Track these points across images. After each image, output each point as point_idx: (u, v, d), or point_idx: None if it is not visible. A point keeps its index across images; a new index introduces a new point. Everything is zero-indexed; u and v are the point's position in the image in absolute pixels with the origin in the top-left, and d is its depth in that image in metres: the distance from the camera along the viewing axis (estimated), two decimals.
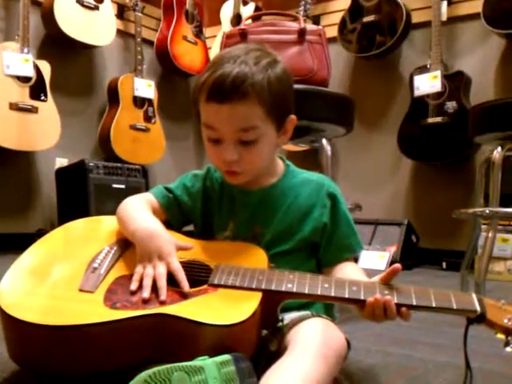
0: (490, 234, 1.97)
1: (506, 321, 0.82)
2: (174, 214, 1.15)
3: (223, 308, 0.87)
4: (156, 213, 1.11)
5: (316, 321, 0.94)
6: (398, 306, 0.85)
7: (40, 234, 1.08)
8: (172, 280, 0.93)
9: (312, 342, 0.85)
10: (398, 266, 0.89)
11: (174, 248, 0.97)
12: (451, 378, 1.09)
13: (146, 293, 0.88)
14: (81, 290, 0.90)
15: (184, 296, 0.89)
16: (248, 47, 1.05)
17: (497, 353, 1.26)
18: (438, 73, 3.14)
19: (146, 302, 0.87)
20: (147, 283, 0.90)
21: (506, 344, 0.82)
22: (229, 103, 0.96)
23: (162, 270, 0.92)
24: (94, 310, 0.85)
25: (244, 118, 0.98)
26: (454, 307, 0.84)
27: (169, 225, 1.13)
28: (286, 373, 0.77)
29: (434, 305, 0.85)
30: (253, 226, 1.07)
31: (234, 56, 1.00)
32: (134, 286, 0.90)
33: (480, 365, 1.16)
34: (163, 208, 1.14)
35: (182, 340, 0.83)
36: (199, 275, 0.95)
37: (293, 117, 1.09)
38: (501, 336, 0.83)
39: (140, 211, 1.08)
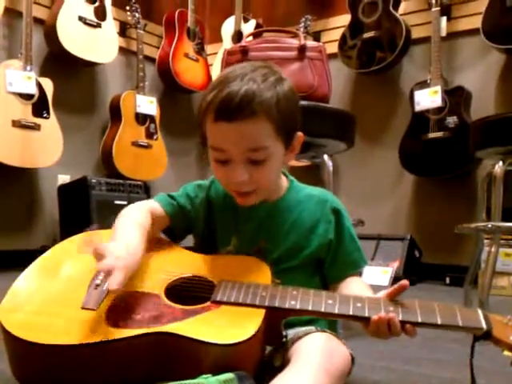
0: (492, 249, 1.96)
1: None
2: (178, 222, 1.14)
3: (226, 326, 0.86)
4: (159, 220, 1.10)
5: (320, 335, 0.93)
6: (403, 323, 0.84)
7: (43, 251, 1.08)
8: (176, 295, 0.93)
9: (315, 356, 0.84)
10: (405, 282, 0.89)
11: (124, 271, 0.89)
12: None
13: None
14: (83, 308, 0.90)
15: (186, 314, 0.88)
16: (254, 64, 1.04)
17: (503, 370, 1.25)
18: (439, 88, 3.15)
19: (149, 320, 0.86)
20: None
21: None
22: (238, 122, 0.95)
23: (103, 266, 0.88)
24: (95, 329, 0.85)
25: (253, 138, 0.97)
26: (460, 324, 0.83)
27: (171, 234, 1.13)
28: None
29: (439, 322, 0.83)
30: (257, 241, 1.07)
31: (240, 74, 0.98)
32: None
33: (486, 382, 1.15)
34: (168, 215, 1.12)
35: (185, 358, 0.82)
36: (202, 291, 0.94)
37: (300, 134, 1.08)
38: (508, 353, 0.82)
39: (126, 225, 1.03)
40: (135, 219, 1.06)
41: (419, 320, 0.84)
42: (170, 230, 1.14)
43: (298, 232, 1.07)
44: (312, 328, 0.96)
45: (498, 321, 0.84)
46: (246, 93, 0.95)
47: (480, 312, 0.85)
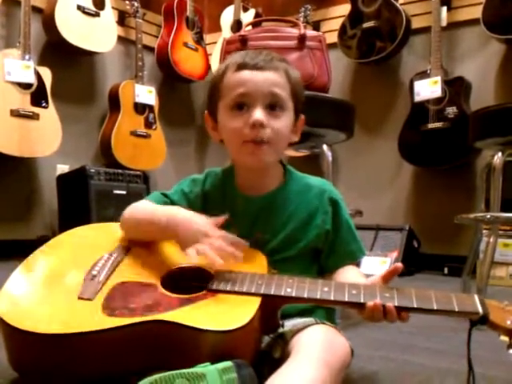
0: (491, 239, 1.96)
1: (509, 322, 0.81)
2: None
3: (222, 313, 0.86)
4: None
5: (319, 327, 0.93)
6: (399, 308, 0.85)
7: (42, 240, 1.08)
8: (173, 285, 0.93)
9: (315, 348, 0.84)
10: (399, 265, 0.90)
11: (212, 226, 0.97)
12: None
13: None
14: (80, 298, 0.90)
15: (183, 302, 0.88)
16: (258, 51, 1.10)
17: (501, 359, 1.25)
18: (439, 78, 3.14)
19: (145, 308, 0.87)
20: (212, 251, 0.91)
21: (510, 346, 0.81)
22: (262, 71, 1.03)
23: (217, 243, 0.92)
24: (92, 318, 0.85)
25: (276, 84, 1.03)
26: (456, 309, 0.83)
27: None
28: (288, 379, 0.76)
29: (435, 307, 0.83)
30: (254, 232, 1.06)
31: (252, 51, 1.09)
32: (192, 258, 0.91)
33: (484, 371, 1.15)
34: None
35: (182, 346, 0.83)
36: (199, 281, 0.94)
37: (303, 116, 1.13)
38: (504, 338, 0.82)
39: (158, 206, 1.07)
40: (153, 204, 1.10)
41: (415, 305, 0.84)
42: None
43: (295, 222, 1.07)
44: (311, 320, 0.96)
45: (494, 306, 0.84)
46: (272, 55, 1.06)
47: (476, 297, 0.85)
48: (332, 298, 0.88)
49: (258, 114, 1.01)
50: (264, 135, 1.02)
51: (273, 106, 1.03)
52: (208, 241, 0.93)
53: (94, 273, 0.97)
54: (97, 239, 1.13)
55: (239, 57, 1.06)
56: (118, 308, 0.87)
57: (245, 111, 1.03)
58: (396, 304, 0.85)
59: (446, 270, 3.12)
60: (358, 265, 1.12)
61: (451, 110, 3.11)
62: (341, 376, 0.87)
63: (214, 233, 0.95)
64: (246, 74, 1.03)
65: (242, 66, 1.04)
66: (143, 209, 1.08)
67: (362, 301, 0.86)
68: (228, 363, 0.75)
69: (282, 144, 1.08)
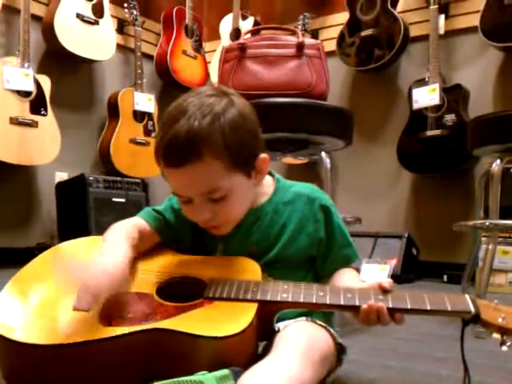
0: (490, 247, 1.96)
1: (500, 320, 0.83)
2: (166, 236, 1.11)
3: (219, 320, 0.86)
4: (147, 237, 1.08)
5: (301, 323, 0.94)
6: (393, 310, 0.86)
7: (40, 248, 1.08)
8: (168, 295, 0.93)
9: (295, 342, 0.85)
10: (390, 282, 0.91)
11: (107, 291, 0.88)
12: None
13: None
14: (74, 309, 0.90)
15: (179, 310, 0.88)
16: (200, 93, 0.98)
17: (499, 366, 1.25)
18: (437, 86, 3.15)
19: (142, 317, 0.86)
20: None
21: (502, 343, 0.83)
22: (185, 168, 0.92)
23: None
24: (89, 328, 0.85)
25: (205, 181, 0.94)
26: (449, 309, 0.85)
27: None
28: (267, 372, 0.77)
29: (428, 308, 0.85)
30: (248, 246, 1.05)
31: (182, 110, 0.94)
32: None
33: (482, 378, 1.15)
34: (156, 231, 1.10)
35: (180, 354, 0.82)
36: (194, 290, 0.94)
37: (263, 156, 1.02)
38: (496, 336, 0.84)
39: (114, 241, 1.01)
40: (124, 232, 1.04)
41: (409, 306, 0.86)
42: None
43: (287, 233, 1.06)
44: (302, 318, 0.97)
45: (485, 305, 0.86)
46: (188, 135, 0.91)
47: (467, 297, 0.87)
48: (328, 302, 0.88)
49: (200, 214, 0.98)
50: (216, 223, 1.01)
51: (214, 200, 0.96)
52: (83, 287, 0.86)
53: None
54: (87, 252, 1.12)
55: (164, 141, 0.94)
56: (115, 318, 0.87)
57: (189, 203, 0.99)
58: (390, 305, 0.86)
59: (445, 278, 3.11)
60: (357, 270, 1.12)
61: (449, 118, 3.11)
62: (324, 370, 0.89)
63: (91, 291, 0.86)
64: (171, 173, 0.96)
65: (166, 163, 0.95)
66: (109, 234, 1.04)
67: (357, 303, 0.87)
68: (225, 371, 0.75)
69: (241, 211, 1.03)
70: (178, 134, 0.92)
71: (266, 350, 0.90)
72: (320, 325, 0.98)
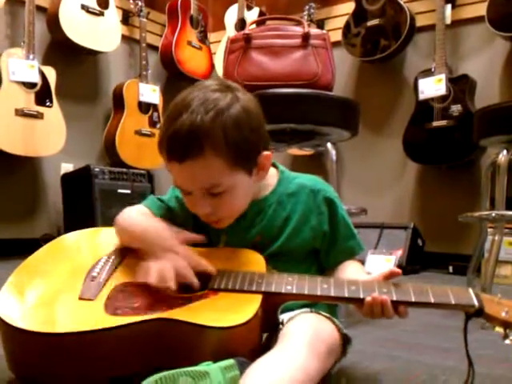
0: (496, 238, 1.95)
1: (503, 314, 0.84)
2: (170, 224, 1.11)
3: (224, 311, 0.87)
4: None
5: (307, 315, 0.95)
6: (397, 303, 0.86)
7: (45, 239, 1.09)
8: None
9: (301, 334, 0.86)
10: (399, 271, 0.92)
11: (178, 242, 0.98)
12: (458, 383, 1.09)
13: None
14: (81, 299, 0.90)
15: (185, 301, 0.89)
16: (205, 88, 0.98)
17: (505, 357, 1.25)
18: (443, 76, 3.13)
19: (147, 307, 0.87)
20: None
21: (505, 337, 0.84)
22: (187, 163, 0.93)
23: (179, 264, 0.94)
24: (95, 317, 0.85)
25: (205, 177, 0.95)
26: (453, 302, 0.86)
27: None
28: (273, 363, 0.77)
29: (432, 301, 0.86)
30: (251, 238, 1.06)
31: (186, 104, 0.94)
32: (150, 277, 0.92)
33: (488, 370, 1.15)
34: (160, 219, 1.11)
35: (185, 344, 0.83)
36: (199, 281, 0.95)
37: (266, 153, 1.01)
38: (499, 329, 0.85)
39: (140, 217, 1.07)
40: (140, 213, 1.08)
41: (413, 299, 0.86)
42: None
43: (291, 225, 1.06)
44: (307, 309, 0.97)
45: (488, 299, 0.87)
46: (190, 130, 0.91)
47: (471, 291, 0.88)
48: (332, 294, 0.89)
49: (200, 208, 0.99)
50: (215, 217, 1.01)
51: (214, 194, 0.97)
52: (171, 258, 0.94)
53: (94, 274, 0.97)
54: (92, 243, 1.13)
55: (166, 135, 0.95)
56: (121, 307, 0.88)
57: (190, 195, 1.00)
58: (394, 298, 0.86)
59: (450, 269, 3.11)
60: (362, 262, 1.12)
61: (456, 108, 3.10)
62: (330, 361, 0.89)
63: (178, 250, 0.96)
64: (173, 166, 0.96)
65: (168, 157, 0.96)
66: (128, 216, 1.08)
67: (361, 296, 0.87)
68: (230, 361, 0.76)
69: (241, 206, 1.04)
70: (181, 128, 0.92)
71: (270, 341, 0.90)
72: (325, 316, 0.98)
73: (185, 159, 0.93)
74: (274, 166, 1.13)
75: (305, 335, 0.85)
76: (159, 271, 0.92)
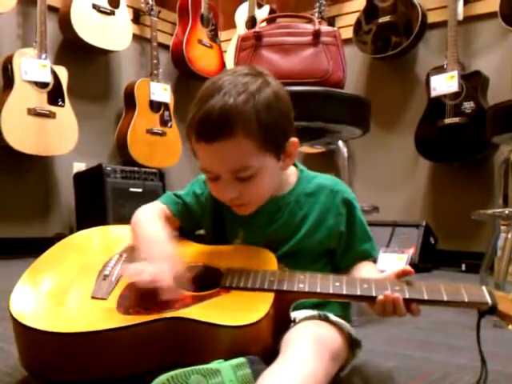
0: (509, 235, 1.94)
1: None
2: (186, 221, 1.13)
3: (236, 309, 0.87)
4: (169, 221, 1.10)
5: (308, 322, 0.93)
6: (410, 301, 0.86)
7: (58, 238, 1.09)
8: (185, 283, 0.93)
9: (303, 341, 0.84)
10: (411, 270, 0.91)
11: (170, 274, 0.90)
12: (471, 381, 1.08)
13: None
14: (93, 298, 0.91)
15: (197, 299, 0.89)
16: (236, 72, 0.99)
17: None
18: (455, 73, 3.11)
19: (159, 306, 0.87)
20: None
21: None
22: (217, 143, 0.93)
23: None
24: (107, 317, 0.86)
25: (235, 159, 0.94)
26: (466, 300, 0.85)
27: (180, 230, 1.13)
28: (278, 374, 0.76)
29: (445, 299, 0.85)
30: (267, 235, 1.06)
31: (218, 87, 0.95)
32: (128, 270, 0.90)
33: (501, 368, 1.14)
34: (176, 216, 1.12)
35: (197, 343, 0.83)
36: (210, 279, 0.95)
37: (294, 140, 1.02)
38: None
39: (152, 226, 1.04)
40: (154, 219, 1.07)
41: (425, 297, 0.86)
42: (179, 227, 1.14)
43: (308, 225, 1.06)
44: (314, 313, 0.96)
45: (501, 296, 0.86)
46: (221, 111, 0.92)
47: (484, 288, 0.87)
48: (344, 292, 0.88)
49: (227, 192, 0.98)
50: (241, 201, 1.01)
51: (241, 179, 0.97)
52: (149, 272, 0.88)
53: (106, 273, 0.97)
54: (104, 241, 1.13)
55: (197, 115, 0.94)
56: (133, 306, 0.88)
57: (216, 180, 0.99)
58: (407, 296, 0.86)
59: (463, 267, 3.09)
60: (374, 261, 1.12)
61: (468, 105, 3.07)
62: (335, 366, 0.88)
63: (162, 277, 0.88)
64: (202, 148, 0.95)
65: (198, 137, 0.95)
66: (139, 220, 1.07)
67: (373, 294, 0.87)
68: (242, 359, 0.76)
69: (267, 193, 1.03)
70: (213, 109, 0.92)
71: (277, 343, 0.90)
72: (329, 321, 0.96)
73: (215, 139, 0.93)
74: (294, 164, 1.13)
75: (308, 342, 0.84)
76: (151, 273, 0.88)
